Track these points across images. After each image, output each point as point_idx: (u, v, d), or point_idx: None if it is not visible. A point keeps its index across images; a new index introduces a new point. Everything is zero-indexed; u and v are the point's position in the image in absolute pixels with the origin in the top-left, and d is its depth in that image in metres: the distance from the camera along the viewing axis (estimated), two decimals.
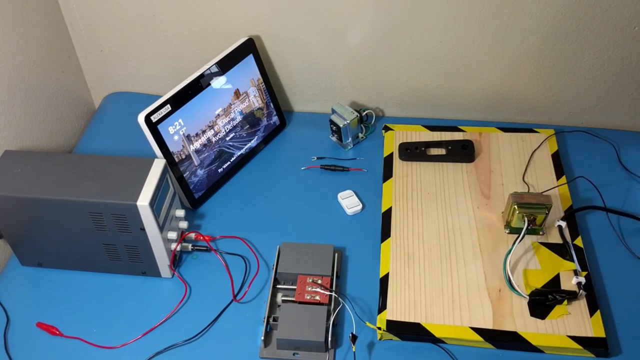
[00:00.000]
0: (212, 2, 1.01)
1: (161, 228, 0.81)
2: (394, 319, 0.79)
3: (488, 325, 0.78)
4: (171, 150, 0.91)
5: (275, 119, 1.09)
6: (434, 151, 1.01)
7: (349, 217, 0.95)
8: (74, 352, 0.79)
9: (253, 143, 1.05)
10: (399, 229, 0.90)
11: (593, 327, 0.77)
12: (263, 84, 1.05)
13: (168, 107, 0.90)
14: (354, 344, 0.75)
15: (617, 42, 0.98)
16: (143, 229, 0.80)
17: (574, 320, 0.78)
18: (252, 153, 1.05)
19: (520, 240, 0.83)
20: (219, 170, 1.00)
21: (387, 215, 0.92)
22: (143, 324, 0.82)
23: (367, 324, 0.80)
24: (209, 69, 0.95)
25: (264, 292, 0.85)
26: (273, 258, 0.88)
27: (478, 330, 0.77)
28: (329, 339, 0.76)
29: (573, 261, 0.84)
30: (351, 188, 0.98)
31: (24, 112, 0.99)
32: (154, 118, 0.88)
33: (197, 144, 0.95)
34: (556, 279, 0.82)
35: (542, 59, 1.02)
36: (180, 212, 0.88)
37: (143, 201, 0.77)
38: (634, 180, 0.98)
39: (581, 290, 0.80)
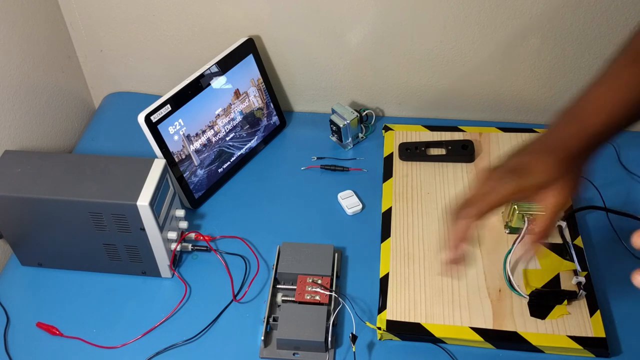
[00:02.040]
0: (212, 2, 1.01)
1: (161, 228, 0.81)
2: (394, 319, 0.79)
3: (488, 325, 0.78)
4: (171, 150, 0.91)
5: (275, 119, 1.09)
6: (434, 151, 1.01)
7: (349, 217, 0.95)
8: (74, 352, 0.79)
9: (253, 143, 1.05)
10: (399, 229, 0.90)
11: (593, 327, 0.77)
12: (263, 84, 1.05)
13: (168, 107, 0.90)
14: (354, 344, 0.75)
15: (617, 42, 0.98)
16: (143, 229, 0.80)
17: (574, 320, 0.78)
18: (252, 153, 1.05)
19: (520, 240, 0.83)
20: (219, 170, 1.00)
21: (387, 215, 0.92)
22: (143, 323, 0.82)
23: (367, 324, 0.80)
24: (209, 69, 0.95)
25: (264, 292, 0.85)
26: (273, 258, 0.88)
27: (478, 330, 0.77)
28: (329, 339, 0.76)
29: (573, 261, 0.84)
30: (351, 188, 0.98)
31: (24, 112, 0.99)
32: (154, 118, 0.88)
33: (197, 144, 0.95)
34: (556, 279, 0.82)
35: (542, 59, 1.02)
36: (180, 212, 0.88)
37: (143, 201, 0.77)
38: (634, 180, 0.98)
39: (581, 290, 0.80)
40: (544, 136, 0.67)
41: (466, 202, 0.66)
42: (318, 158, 1.05)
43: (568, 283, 0.82)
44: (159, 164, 0.82)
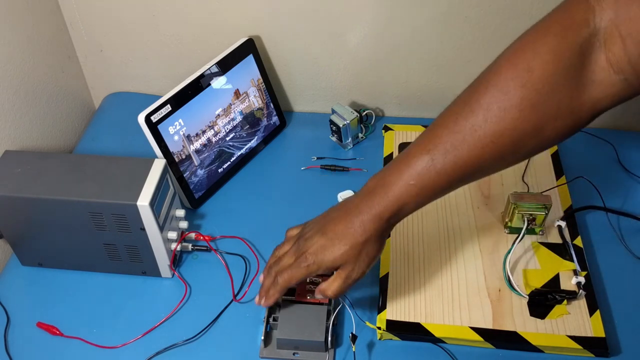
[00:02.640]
0: (212, 3, 1.01)
1: (161, 228, 0.81)
2: (394, 318, 0.79)
3: (488, 325, 0.78)
4: (171, 150, 0.91)
5: (275, 119, 1.09)
6: None
7: None
8: (74, 352, 0.79)
9: (253, 143, 1.05)
10: (399, 229, 0.90)
11: (593, 327, 0.77)
12: (263, 84, 1.05)
13: (168, 107, 0.90)
14: (353, 344, 0.76)
15: None
16: (143, 229, 0.80)
17: (574, 320, 0.78)
18: (252, 153, 1.05)
19: (520, 240, 0.83)
20: (219, 170, 1.00)
21: None
22: (143, 323, 0.82)
23: (367, 323, 0.80)
24: (209, 69, 0.95)
25: None
26: None
27: (478, 330, 0.77)
28: (329, 338, 0.76)
29: (573, 261, 0.84)
30: (351, 188, 0.98)
31: (24, 112, 0.99)
32: (154, 118, 0.88)
33: (197, 144, 0.95)
34: (556, 279, 0.83)
35: None
36: (181, 212, 0.88)
37: (143, 201, 0.77)
38: (634, 180, 0.98)
39: (581, 290, 0.80)
40: (340, 217, 0.70)
41: (276, 269, 0.72)
42: (318, 158, 1.05)
43: (568, 283, 0.82)
44: (159, 164, 0.82)
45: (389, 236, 0.89)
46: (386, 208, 0.67)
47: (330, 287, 0.71)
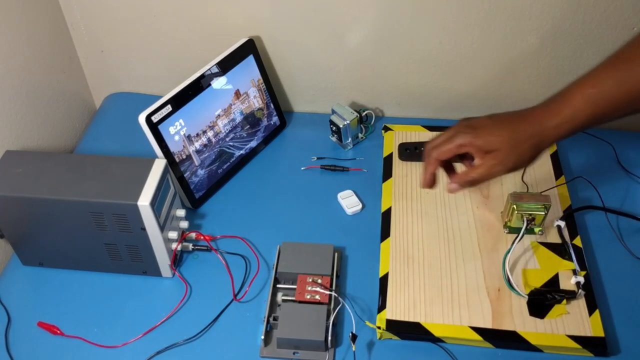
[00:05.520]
0: (212, 3, 1.02)
1: (162, 228, 0.81)
2: (394, 318, 0.79)
3: (487, 324, 0.78)
4: (172, 150, 0.92)
5: (275, 119, 1.09)
6: None
7: (349, 217, 0.96)
8: (75, 352, 0.80)
9: (253, 143, 1.05)
10: (399, 229, 0.90)
11: (592, 326, 0.77)
12: (263, 84, 1.05)
13: (169, 108, 0.90)
14: (353, 343, 0.76)
15: (616, 43, 0.98)
16: (144, 229, 0.80)
17: (573, 320, 0.78)
18: (252, 153, 1.06)
19: (519, 240, 0.83)
20: (220, 171, 1.00)
21: (386, 215, 0.92)
22: (144, 323, 0.82)
23: (367, 323, 0.80)
24: (209, 69, 0.96)
25: (264, 291, 0.86)
26: (273, 257, 0.88)
27: (477, 330, 0.78)
28: (329, 338, 0.77)
29: (572, 261, 0.84)
30: (351, 188, 0.99)
31: (25, 112, 0.99)
32: (155, 118, 0.89)
33: (197, 144, 0.96)
34: (555, 279, 0.83)
35: (541, 59, 1.02)
36: (181, 212, 0.88)
37: (144, 201, 0.77)
38: (633, 180, 0.98)
39: (580, 290, 0.80)
40: (514, 113, 0.72)
41: (431, 145, 0.76)
42: (318, 158, 1.05)
43: (567, 282, 0.82)
44: (159, 164, 0.82)
45: (389, 235, 0.89)
46: (559, 113, 0.68)
47: (473, 171, 0.72)
